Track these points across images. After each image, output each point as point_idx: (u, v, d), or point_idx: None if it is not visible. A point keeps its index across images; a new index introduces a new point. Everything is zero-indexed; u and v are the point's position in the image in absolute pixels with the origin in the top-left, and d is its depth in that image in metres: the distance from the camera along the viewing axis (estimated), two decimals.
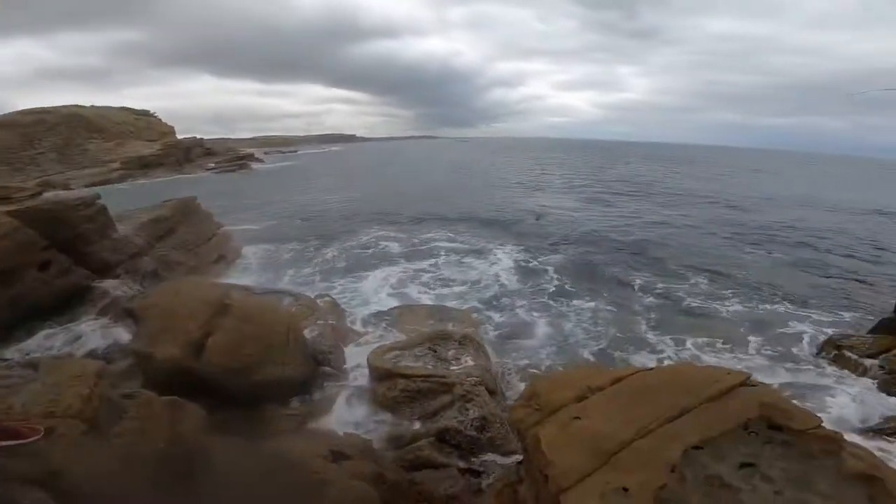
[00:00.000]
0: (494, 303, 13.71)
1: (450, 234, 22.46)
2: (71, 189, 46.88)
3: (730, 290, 15.36)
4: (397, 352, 7.70)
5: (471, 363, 7.38)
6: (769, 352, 11.03)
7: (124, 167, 55.16)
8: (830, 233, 25.52)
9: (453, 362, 7.43)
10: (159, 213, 15.17)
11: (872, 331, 11.60)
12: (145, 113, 74.03)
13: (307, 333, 8.50)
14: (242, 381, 6.85)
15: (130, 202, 18.39)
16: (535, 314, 12.79)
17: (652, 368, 5.12)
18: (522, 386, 8.40)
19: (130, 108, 72.72)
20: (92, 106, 66.77)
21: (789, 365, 10.47)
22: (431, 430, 6.45)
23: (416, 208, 29.89)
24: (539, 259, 18.83)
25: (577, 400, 3.90)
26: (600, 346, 10.97)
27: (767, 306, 14.10)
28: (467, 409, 6.54)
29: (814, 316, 13.41)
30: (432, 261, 18.26)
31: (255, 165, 65.17)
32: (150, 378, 7.36)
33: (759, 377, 9.49)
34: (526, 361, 9.66)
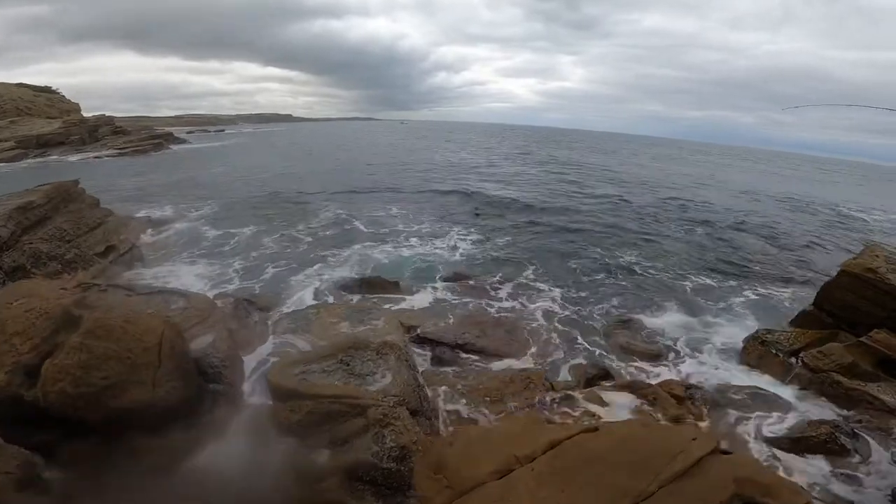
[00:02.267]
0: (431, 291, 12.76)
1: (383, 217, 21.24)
2: None
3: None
4: (303, 366, 6.37)
5: (389, 378, 6.21)
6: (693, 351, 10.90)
7: (19, 146, 48.74)
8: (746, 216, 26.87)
9: (369, 377, 6.22)
10: (29, 199, 12.68)
11: (794, 323, 11.69)
12: (46, 90, 65.95)
13: (197, 343, 7.03)
14: (96, 410, 5.41)
15: (20, 185, 15.44)
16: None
17: (595, 428, 4.25)
18: (459, 405, 7.43)
19: (28, 85, 64.45)
20: None
21: (710, 364, 10.38)
22: (341, 463, 5.28)
23: (347, 189, 28.60)
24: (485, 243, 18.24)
25: (499, 475, 2.86)
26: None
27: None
28: (384, 437, 5.41)
29: (736, 303, 13.62)
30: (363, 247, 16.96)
31: (174, 146, 59.59)
32: None
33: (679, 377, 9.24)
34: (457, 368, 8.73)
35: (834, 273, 11.42)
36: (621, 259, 17.31)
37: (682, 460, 2.95)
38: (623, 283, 14.98)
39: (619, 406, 7.86)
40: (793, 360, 10.05)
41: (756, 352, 10.58)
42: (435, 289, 13.30)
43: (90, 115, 62.08)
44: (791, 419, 8.28)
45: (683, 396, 8.39)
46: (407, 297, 12.47)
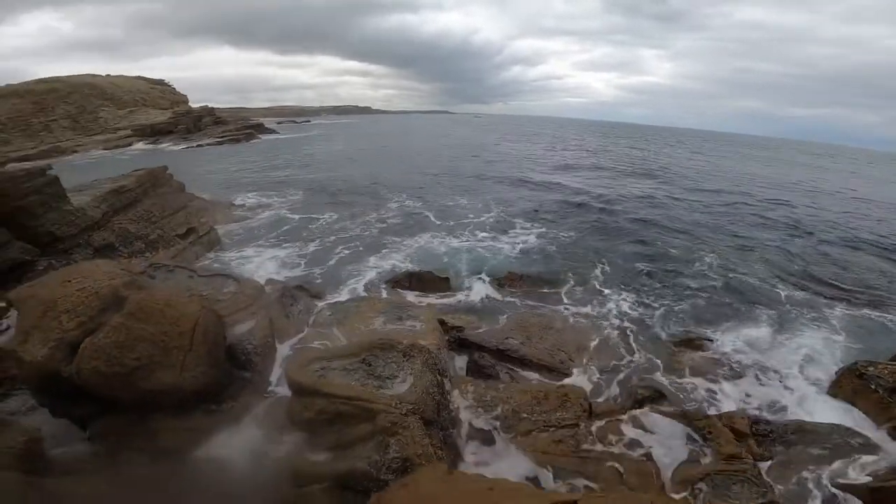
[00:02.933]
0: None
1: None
2: (76, 153, 47.01)
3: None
4: (324, 362, 6.31)
5: (409, 384, 5.97)
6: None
7: (135, 134, 54.95)
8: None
9: (388, 380, 6.02)
10: (122, 183, 14.05)
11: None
12: (160, 82, 73.30)
13: (237, 329, 7.26)
14: (126, 388, 5.65)
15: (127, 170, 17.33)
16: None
17: (574, 500, 4.09)
18: (481, 418, 7.04)
19: (145, 77, 72.04)
20: (107, 75, 66.30)
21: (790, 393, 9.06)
22: (336, 469, 5.16)
23: (419, 180, 28.91)
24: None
25: None
26: None
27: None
28: (388, 446, 5.19)
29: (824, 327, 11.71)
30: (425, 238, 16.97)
31: (264, 136, 63.90)
32: (25, 382, 6.31)
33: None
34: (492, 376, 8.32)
35: None
36: (698, 264, 15.82)
37: None
38: (699, 291, 13.66)
39: (664, 436, 7.07)
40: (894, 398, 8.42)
41: (850, 385, 9.05)
42: (487, 286, 12.97)
43: (196, 105, 68.39)
44: (876, 464, 7.05)
45: (746, 432, 7.36)
46: (456, 294, 12.30)
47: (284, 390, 6.66)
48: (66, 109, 56.13)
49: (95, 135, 54.49)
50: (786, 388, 9.26)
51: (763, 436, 7.53)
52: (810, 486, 6.74)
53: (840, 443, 7.47)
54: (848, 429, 7.79)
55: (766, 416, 8.17)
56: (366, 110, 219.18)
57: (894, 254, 18.97)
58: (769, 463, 7.06)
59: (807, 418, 8.14)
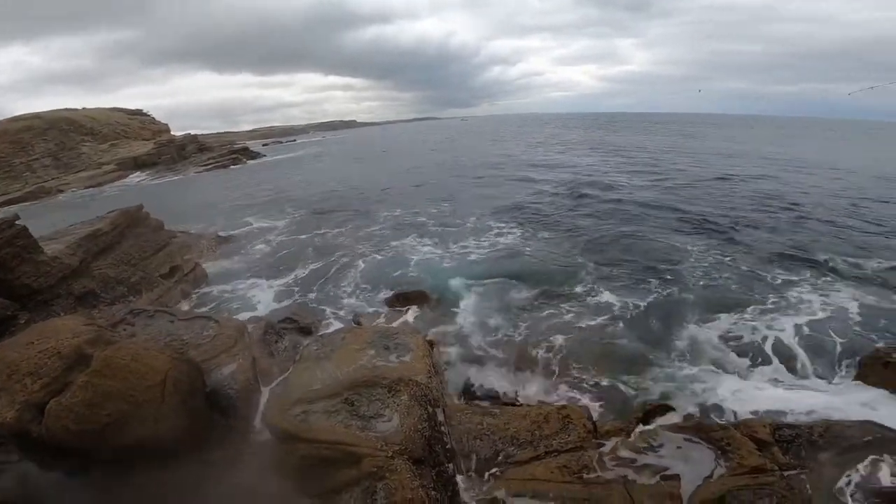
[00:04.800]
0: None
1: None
2: (62, 193, 47.10)
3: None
4: (306, 405, 6.12)
5: (395, 422, 5.76)
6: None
7: (120, 168, 55.14)
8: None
9: (374, 420, 5.81)
10: (97, 227, 13.90)
11: None
12: (139, 112, 73.87)
13: (218, 374, 7.11)
14: (101, 444, 5.67)
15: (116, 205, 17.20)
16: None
17: None
18: (477, 449, 6.85)
19: (123, 109, 72.59)
20: (83, 108, 66.67)
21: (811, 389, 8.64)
22: None
23: (403, 191, 29.23)
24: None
25: None
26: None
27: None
28: (376, 492, 5.01)
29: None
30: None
31: (251, 161, 63.96)
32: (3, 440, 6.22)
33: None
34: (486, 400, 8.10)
35: None
36: (696, 253, 15.55)
37: None
38: (700, 282, 13.33)
39: (677, 454, 6.75)
40: None
41: (877, 374, 8.73)
42: (477, 300, 12.74)
43: (179, 133, 68.72)
44: None
45: (769, 440, 7.01)
46: (446, 313, 12.04)
47: (268, 436, 6.48)
48: (46, 147, 56.54)
49: (79, 171, 54.83)
50: (805, 383, 8.94)
51: (788, 442, 7.13)
52: (846, 495, 6.31)
53: (874, 441, 7.06)
54: (881, 425, 7.36)
55: (789, 419, 7.79)
56: (351, 124, 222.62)
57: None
58: (798, 472, 6.62)
59: (835, 415, 7.71)
